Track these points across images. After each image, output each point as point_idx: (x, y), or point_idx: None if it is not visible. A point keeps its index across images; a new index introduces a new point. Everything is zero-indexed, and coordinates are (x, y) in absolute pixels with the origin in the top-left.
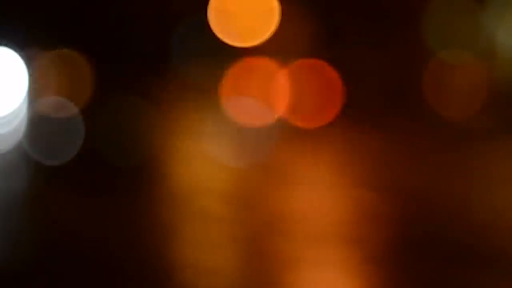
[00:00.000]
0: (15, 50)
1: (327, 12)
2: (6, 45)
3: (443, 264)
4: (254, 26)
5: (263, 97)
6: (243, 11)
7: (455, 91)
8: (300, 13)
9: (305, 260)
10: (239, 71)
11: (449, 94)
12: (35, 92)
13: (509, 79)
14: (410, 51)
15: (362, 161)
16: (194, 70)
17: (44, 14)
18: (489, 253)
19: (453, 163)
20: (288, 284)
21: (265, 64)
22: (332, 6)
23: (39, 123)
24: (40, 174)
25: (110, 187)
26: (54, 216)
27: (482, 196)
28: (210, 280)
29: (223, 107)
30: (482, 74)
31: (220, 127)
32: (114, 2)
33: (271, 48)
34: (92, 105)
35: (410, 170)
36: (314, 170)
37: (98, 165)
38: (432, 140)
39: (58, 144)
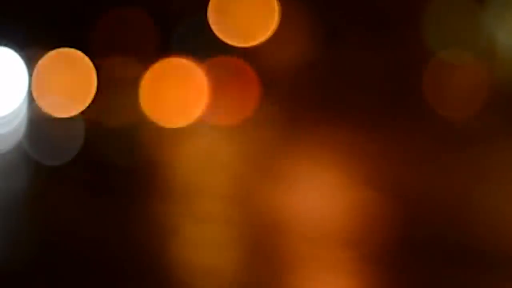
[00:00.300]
0: (15, 50)
1: (327, 12)
2: (6, 45)
3: (443, 264)
4: (254, 26)
5: (182, 97)
6: (243, 11)
7: (455, 91)
8: (299, 13)
9: (305, 260)
10: (157, 71)
11: (449, 94)
12: (35, 92)
13: (509, 79)
14: (410, 51)
15: (362, 161)
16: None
17: (44, 14)
18: (489, 253)
19: (453, 163)
20: (288, 284)
21: (182, 63)
22: (332, 6)
23: (39, 123)
24: (40, 174)
25: (110, 187)
26: (54, 216)
27: (482, 196)
28: (209, 280)
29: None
30: (482, 74)
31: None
32: (114, 2)
33: (271, 48)
34: (92, 105)
35: (410, 170)
36: (314, 170)
37: (98, 165)
38: (432, 140)
39: (58, 144)
